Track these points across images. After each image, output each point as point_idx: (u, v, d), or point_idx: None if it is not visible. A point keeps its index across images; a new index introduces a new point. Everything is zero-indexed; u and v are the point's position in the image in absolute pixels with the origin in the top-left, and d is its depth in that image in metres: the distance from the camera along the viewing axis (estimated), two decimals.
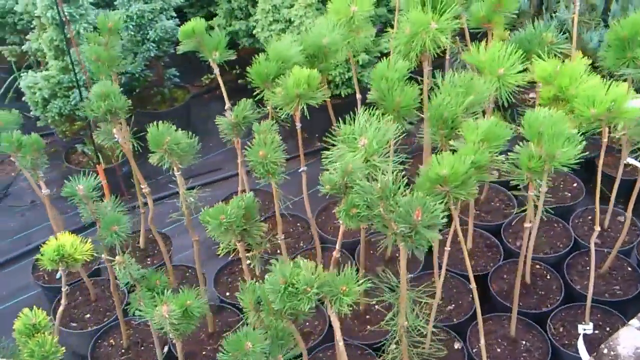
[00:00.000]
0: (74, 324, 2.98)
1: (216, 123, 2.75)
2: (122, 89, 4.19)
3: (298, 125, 2.83)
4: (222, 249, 2.20)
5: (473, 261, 3.23)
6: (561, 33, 2.89)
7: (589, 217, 3.42)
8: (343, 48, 2.98)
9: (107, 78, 2.92)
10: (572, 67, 2.49)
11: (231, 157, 3.41)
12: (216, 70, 3.08)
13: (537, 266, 3.15)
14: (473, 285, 2.48)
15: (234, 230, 2.07)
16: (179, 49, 3.09)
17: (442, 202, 2.20)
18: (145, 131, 2.40)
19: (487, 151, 2.28)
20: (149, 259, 3.25)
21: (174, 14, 4.19)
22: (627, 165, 3.11)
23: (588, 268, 3.11)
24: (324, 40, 2.83)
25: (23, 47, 4.03)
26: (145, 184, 2.75)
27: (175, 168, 2.38)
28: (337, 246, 2.31)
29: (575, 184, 3.62)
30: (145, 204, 3.01)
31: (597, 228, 2.65)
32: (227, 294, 3.12)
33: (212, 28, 4.62)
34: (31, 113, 3.86)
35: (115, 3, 3.99)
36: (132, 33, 4.00)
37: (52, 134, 4.17)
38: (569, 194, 3.56)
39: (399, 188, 2.01)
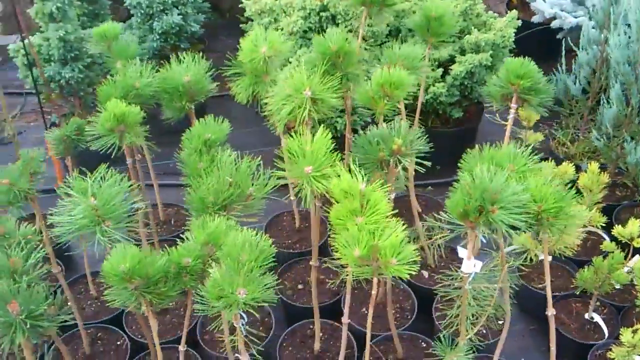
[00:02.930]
0: None
1: (47, 137, 2.70)
2: None
3: (128, 160, 2.67)
4: None
5: None
6: None
7: None
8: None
9: None
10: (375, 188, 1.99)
11: None
12: None
13: None
14: None
15: None
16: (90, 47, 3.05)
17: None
18: None
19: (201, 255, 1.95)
20: None
21: (189, 10, 4.17)
22: None
23: None
24: (185, 78, 2.62)
25: None
26: None
27: None
28: None
29: None
30: None
31: None
32: None
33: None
34: None
35: None
36: (139, 21, 4.07)
37: None
38: None
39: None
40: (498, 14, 3.99)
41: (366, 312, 3.00)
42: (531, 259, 3.10)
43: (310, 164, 2.10)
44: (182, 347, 2.30)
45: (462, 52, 3.64)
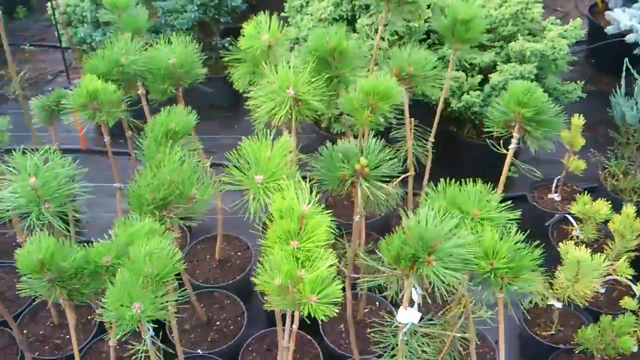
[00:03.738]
0: None
1: (31, 104, 2.66)
2: None
3: (106, 138, 2.59)
4: None
5: None
6: None
7: None
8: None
9: None
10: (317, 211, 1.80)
11: None
12: None
13: None
14: None
15: None
16: None
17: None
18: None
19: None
20: None
21: None
22: None
23: None
24: (171, 60, 2.50)
25: None
26: None
27: None
28: None
29: None
30: None
31: None
32: None
33: None
34: None
35: None
36: None
37: None
38: None
39: None
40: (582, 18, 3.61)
41: (343, 329, 2.83)
42: (536, 303, 2.82)
43: (263, 172, 1.95)
44: (111, 343, 2.21)
45: (508, 60, 3.32)
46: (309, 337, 2.78)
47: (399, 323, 1.77)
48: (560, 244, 2.59)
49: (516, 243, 1.70)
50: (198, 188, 2.00)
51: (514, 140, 2.19)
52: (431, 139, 2.91)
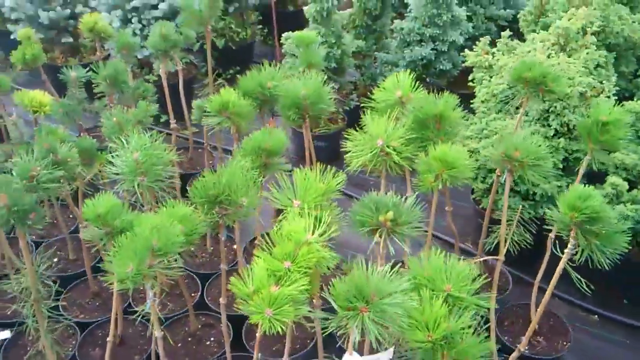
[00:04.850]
0: None
1: (193, 103, 3.16)
2: None
3: (235, 145, 2.96)
4: None
5: None
6: None
7: None
8: None
9: None
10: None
11: None
12: None
13: None
14: None
15: None
16: None
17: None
18: None
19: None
20: None
21: (446, 48, 4.21)
22: None
23: None
24: (302, 92, 2.81)
25: None
26: None
27: None
28: None
29: None
30: None
31: None
32: None
33: None
34: None
35: None
36: (397, 45, 4.30)
37: None
38: None
39: None
40: None
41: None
42: None
43: (301, 198, 2.15)
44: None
45: None
46: None
47: None
48: None
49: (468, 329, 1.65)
50: (248, 196, 2.26)
51: (570, 245, 2.05)
52: (552, 235, 2.78)
